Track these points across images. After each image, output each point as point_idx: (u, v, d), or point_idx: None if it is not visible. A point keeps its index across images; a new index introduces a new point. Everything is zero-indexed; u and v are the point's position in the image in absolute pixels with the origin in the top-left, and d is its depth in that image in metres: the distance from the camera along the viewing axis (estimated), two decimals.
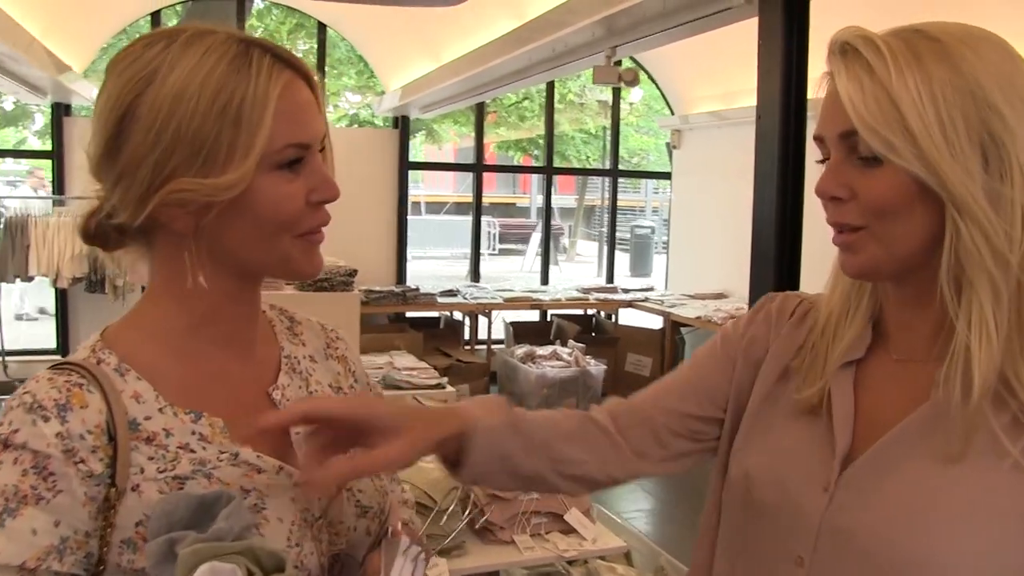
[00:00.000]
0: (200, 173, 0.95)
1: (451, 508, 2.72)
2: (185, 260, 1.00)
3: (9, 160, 22.77)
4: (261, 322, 1.16)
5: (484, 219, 20.14)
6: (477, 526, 2.82)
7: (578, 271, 19.56)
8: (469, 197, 10.59)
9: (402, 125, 9.23)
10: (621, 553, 3.58)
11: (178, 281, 1.02)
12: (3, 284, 7.68)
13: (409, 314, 8.78)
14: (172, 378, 1.02)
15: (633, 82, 4.98)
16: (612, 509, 4.52)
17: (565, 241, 25.30)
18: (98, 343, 1.03)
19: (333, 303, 5.43)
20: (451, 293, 8.73)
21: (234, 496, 0.91)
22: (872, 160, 0.98)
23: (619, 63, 8.85)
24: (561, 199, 25.30)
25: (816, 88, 1.08)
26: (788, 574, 1.08)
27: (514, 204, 28.51)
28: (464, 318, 8.93)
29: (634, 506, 5.96)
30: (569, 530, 2.87)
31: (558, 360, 7.84)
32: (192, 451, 0.99)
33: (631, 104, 17.76)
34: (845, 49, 1.00)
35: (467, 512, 2.80)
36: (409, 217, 9.57)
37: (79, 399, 0.94)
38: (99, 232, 1.05)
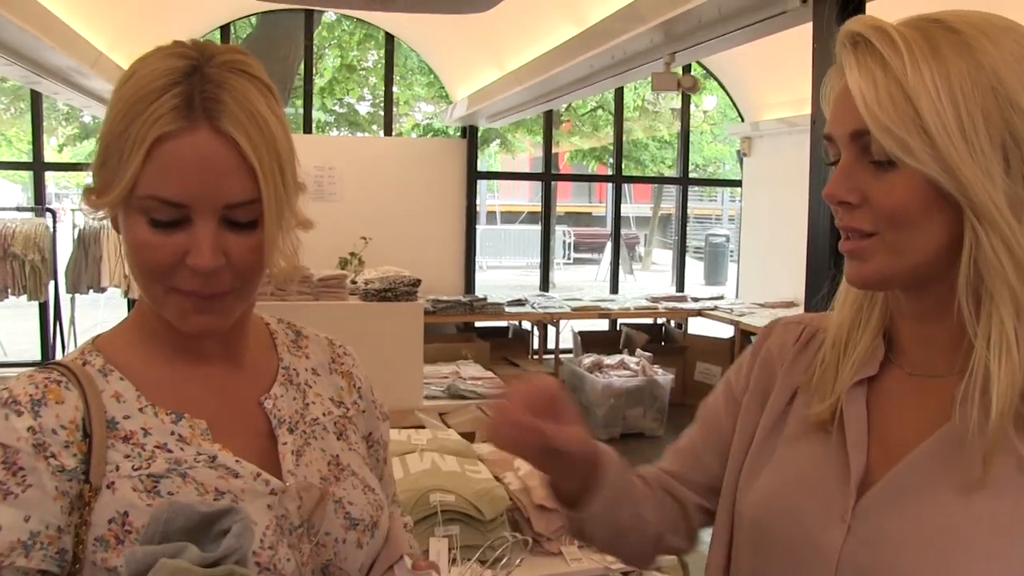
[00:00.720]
0: (96, 187, 0.98)
1: (497, 519, 2.70)
2: None
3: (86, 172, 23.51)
4: (260, 334, 1.17)
5: (559, 228, 20.06)
6: (524, 536, 2.79)
7: (653, 280, 19.43)
8: (540, 207, 10.59)
9: (470, 134, 9.28)
10: (677, 565, 3.53)
11: None
12: (77, 295, 7.87)
13: (478, 324, 8.80)
14: (156, 381, 1.04)
15: (692, 88, 4.93)
16: None
17: (640, 250, 25.18)
18: (88, 347, 1.05)
19: (397, 313, 5.45)
20: (519, 303, 8.72)
21: (242, 512, 0.89)
22: (886, 163, 0.92)
23: (688, 68, 8.77)
24: (636, 208, 25.18)
25: (827, 83, 1.03)
26: None
27: (590, 213, 28.47)
28: (532, 328, 8.92)
29: None
30: None
31: (625, 369, 7.77)
32: (169, 451, 0.99)
33: (705, 112, 17.63)
34: (857, 41, 0.94)
35: (513, 525, 2.78)
36: (484, 227, 9.64)
37: (55, 395, 0.96)
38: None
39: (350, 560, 1.08)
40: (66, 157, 14.44)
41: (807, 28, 3.57)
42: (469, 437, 3.54)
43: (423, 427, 3.57)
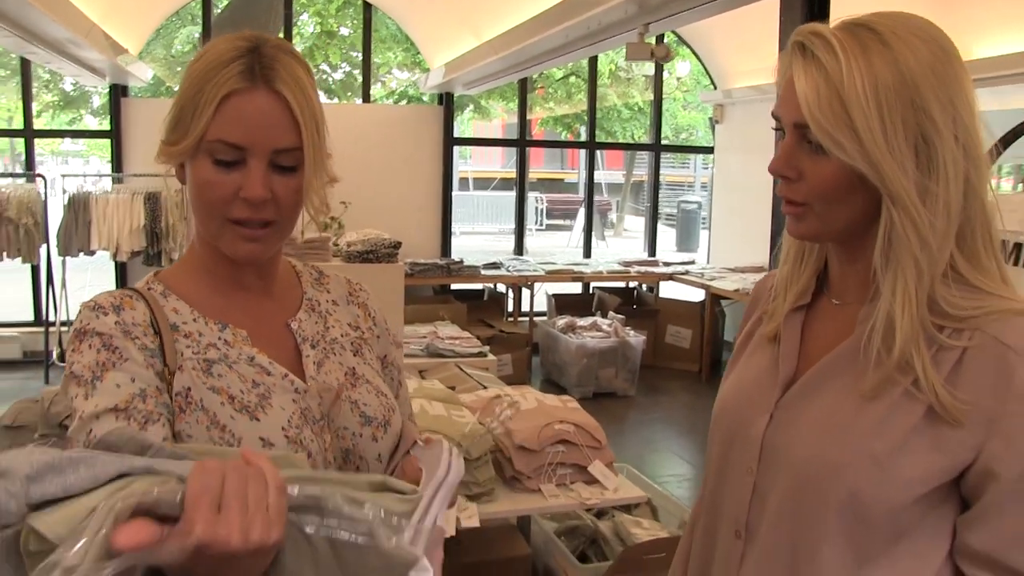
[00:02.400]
0: (171, 140, 1.23)
1: (482, 458, 2.93)
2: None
3: (67, 140, 23.38)
4: (288, 274, 1.43)
5: (531, 195, 20.15)
6: (506, 475, 3.03)
7: (625, 246, 19.63)
8: (515, 173, 10.75)
9: (446, 101, 9.43)
10: (643, 505, 3.79)
11: (198, 227, 1.30)
12: (67, 258, 8.03)
13: (454, 287, 9.01)
14: (205, 302, 1.30)
15: (665, 58, 5.11)
16: (647, 472, 4.72)
17: (613, 216, 25.35)
18: (150, 278, 1.33)
19: (378, 273, 5.64)
20: (494, 266, 8.93)
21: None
22: (821, 148, 1.16)
23: (662, 37, 8.94)
24: (609, 175, 25.34)
25: (774, 73, 1.27)
26: (743, 482, 1.31)
27: (562, 180, 28.56)
28: (507, 291, 9.14)
29: (669, 471, 6.14)
30: (592, 481, 3.07)
31: (598, 331, 8.01)
32: (218, 348, 1.26)
33: (678, 79, 17.76)
34: (804, 48, 1.17)
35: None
36: (456, 193, 9.77)
37: (129, 304, 1.23)
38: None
39: (367, 450, 1.32)
40: (43, 124, 14.46)
41: None
42: None
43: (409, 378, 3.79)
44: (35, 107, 9.04)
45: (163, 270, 1.35)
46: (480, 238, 20.43)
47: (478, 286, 9.20)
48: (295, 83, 1.21)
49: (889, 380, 1.16)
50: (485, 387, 4.01)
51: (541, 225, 24.31)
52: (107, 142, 8.94)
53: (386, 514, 0.94)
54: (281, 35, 9.09)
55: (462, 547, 3.47)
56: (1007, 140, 9.15)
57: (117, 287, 8.61)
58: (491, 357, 6.41)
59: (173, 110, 1.23)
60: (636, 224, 23.02)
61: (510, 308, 9.12)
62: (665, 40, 9.61)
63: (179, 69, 13.55)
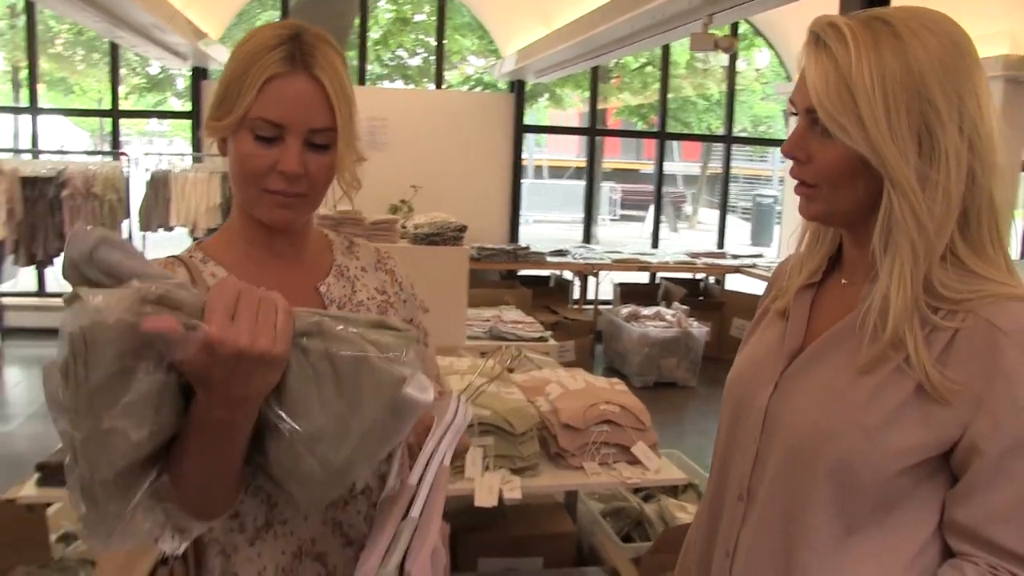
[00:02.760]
0: (213, 115, 1.35)
1: (527, 433, 3.01)
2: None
3: (153, 121, 24.00)
4: (320, 241, 1.55)
5: (605, 184, 20.09)
6: (551, 452, 3.11)
7: (698, 238, 19.53)
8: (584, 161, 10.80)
9: (518, 89, 9.52)
10: (690, 490, 3.84)
11: (236, 198, 1.44)
12: (147, 233, 8.34)
13: (521, 273, 9.12)
14: (240, 268, 1.41)
15: (729, 49, 5.13)
16: (702, 463, 4.74)
17: (688, 208, 25.22)
18: (192, 248, 1.45)
19: (443, 256, 5.74)
20: (560, 253, 9.01)
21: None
22: (828, 132, 1.22)
23: (736, 27, 8.86)
24: (685, 166, 25.20)
25: (796, 62, 1.33)
26: (747, 449, 1.39)
27: (637, 170, 28.46)
28: (573, 278, 9.20)
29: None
30: (635, 461, 3.13)
31: (661, 321, 8.04)
32: None
33: (757, 70, 17.59)
34: (819, 39, 1.23)
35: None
36: (531, 181, 9.86)
37: (171, 269, 1.36)
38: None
39: None
40: (131, 105, 14.95)
41: None
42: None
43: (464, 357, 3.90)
44: (123, 89, 9.38)
45: (204, 240, 1.47)
46: (553, 226, 20.46)
47: (545, 272, 9.28)
48: (332, 69, 1.33)
49: (882, 356, 1.22)
50: (541, 368, 4.10)
51: (615, 215, 24.27)
52: (186, 124, 9.23)
53: (380, 347, 1.05)
54: (357, 21, 9.27)
55: (509, 520, 3.57)
56: None
57: None
58: (552, 342, 6.47)
59: (219, 89, 1.35)
60: (711, 217, 22.84)
61: (575, 295, 9.19)
62: (740, 31, 9.60)
63: None
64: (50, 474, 2.93)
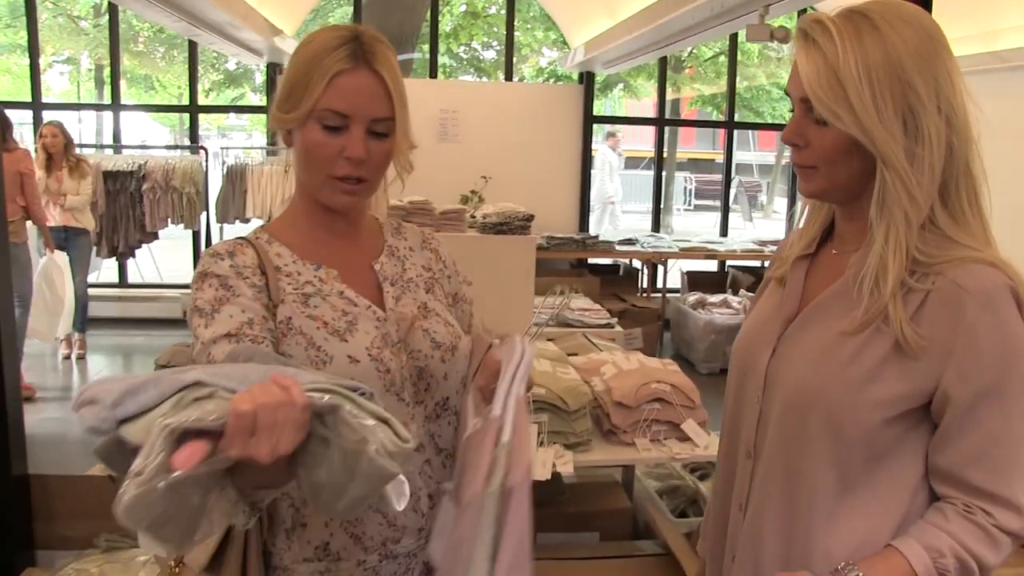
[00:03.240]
0: (281, 108, 1.49)
1: (580, 410, 3.16)
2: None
3: (232, 115, 24.63)
4: (372, 225, 1.70)
5: (679, 175, 19.98)
6: (604, 429, 3.25)
7: (773, 227, 19.40)
8: (654, 151, 10.87)
9: (587, 80, 9.63)
10: None
11: (299, 185, 1.59)
12: (224, 225, 8.69)
13: (591, 261, 9.25)
14: (303, 247, 1.57)
15: (785, 39, 5.19)
16: None
17: (763, 198, 25.01)
18: (257, 230, 1.61)
19: (511, 245, 5.87)
20: (629, 242, 9.11)
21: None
22: (823, 121, 1.36)
23: (802, 13, 8.86)
24: (761, 156, 24.97)
25: (790, 50, 1.46)
26: (752, 408, 1.52)
27: (712, 160, 28.28)
28: (642, 266, 9.31)
29: None
30: (685, 438, 3.25)
31: (728, 308, 8.11)
32: (314, 284, 1.54)
33: None
34: (806, 35, 1.36)
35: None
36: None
37: (240, 251, 1.51)
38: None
39: (437, 369, 1.59)
40: (210, 101, 15.41)
41: None
42: None
43: None
44: (203, 84, 9.75)
45: (268, 224, 1.64)
46: (629, 217, 20.48)
47: (611, 261, 9.41)
48: (389, 66, 1.49)
49: (870, 314, 1.35)
50: (600, 352, 4.23)
51: (689, 205, 24.20)
52: (263, 118, 9.53)
53: (380, 444, 1.18)
54: (428, 15, 9.48)
55: (569, 498, 3.72)
56: None
57: None
58: (618, 329, 6.57)
59: (284, 86, 1.51)
60: (786, 206, 22.63)
61: (644, 284, 9.29)
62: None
63: None
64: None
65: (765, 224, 21.14)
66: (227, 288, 1.45)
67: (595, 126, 9.98)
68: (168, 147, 9.74)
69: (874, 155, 1.32)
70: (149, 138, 19.43)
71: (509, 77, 9.97)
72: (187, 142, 9.88)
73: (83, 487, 3.23)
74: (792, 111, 1.43)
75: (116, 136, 9.59)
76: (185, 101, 10.51)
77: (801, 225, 1.59)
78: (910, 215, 1.32)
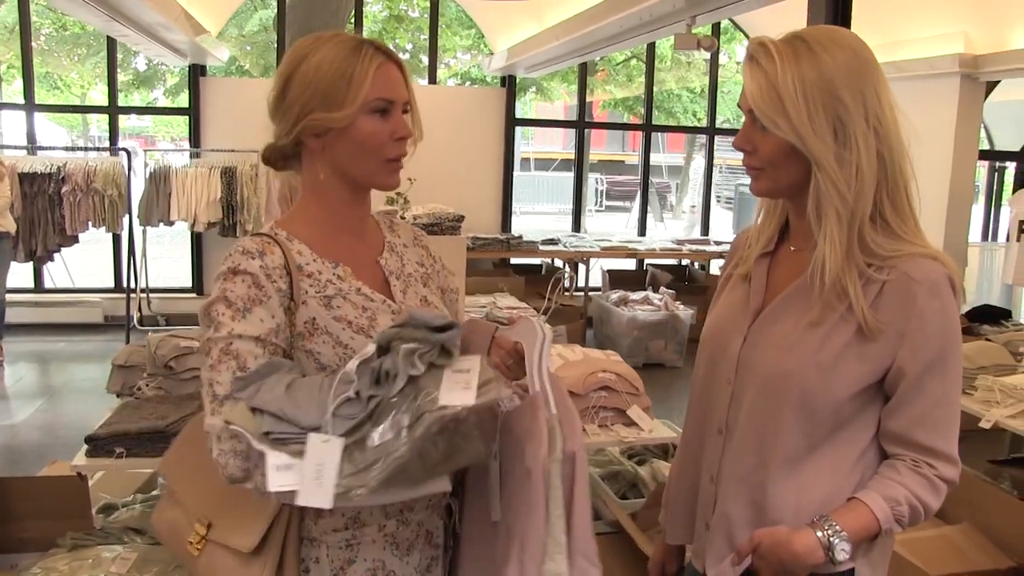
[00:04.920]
0: (325, 110, 1.61)
1: None
2: (316, 170, 1.69)
3: (133, 117, 24.11)
4: (371, 220, 1.83)
5: (591, 176, 20.25)
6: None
7: (683, 227, 19.83)
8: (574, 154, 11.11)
9: (509, 84, 9.84)
10: (676, 446, 4.16)
11: (315, 186, 1.71)
12: (148, 228, 8.62)
13: (513, 261, 9.45)
14: (318, 245, 1.69)
15: (711, 48, 5.44)
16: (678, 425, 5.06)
17: (672, 199, 25.52)
18: (273, 225, 1.71)
19: (442, 244, 5.90)
20: (552, 242, 9.34)
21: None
22: (766, 129, 1.57)
23: (718, 24, 9.11)
24: (670, 157, 25.42)
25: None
26: (723, 390, 1.73)
27: (623, 162, 28.73)
28: (564, 265, 9.52)
29: None
30: (631, 423, 3.45)
31: (649, 305, 8.37)
32: (333, 283, 1.66)
33: (738, 63, 17.85)
34: (752, 57, 1.58)
35: None
36: (518, 173, 10.17)
37: (269, 250, 1.61)
38: (271, 156, 1.73)
39: None
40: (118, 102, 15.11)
41: None
42: None
43: None
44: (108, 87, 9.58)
45: (280, 219, 1.74)
46: (540, 218, 20.74)
47: (536, 261, 9.61)
48: (400, 60, 1.68)
49: (829, 305, 1.56)
50: None
51: (600, 206, 24.56)
52: (176, 120, 9.49)
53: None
54: (352, 19, 9.55)
55: None
56: None
57: (193, 257, 9.32)
58: (547, 326, 6.72)
59: (317, 93, 1.61)
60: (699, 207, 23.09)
61: (566, 283, 9.49)
62: (722, 25, 9.91)
63: (249, 48, 14.10)
64: (98, 446, 3.07)
65: (676, 224, 21.58)
66: (259, 288, 1.56)
67: (517, 128, 10.18)
68: (87, 148, 9.56)
69: (809, 159, 1.53)
70: (45, 140, 18.94)
71: (433, 80, 10.10)
72: (87, 143, 9.67)
73: (41, 488, 3.26)
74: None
75: (31, 137, 9.37)
76: (92, 101, 10.32)
77: (758, 223, 1.79)
78: (841, 212, 1.53)
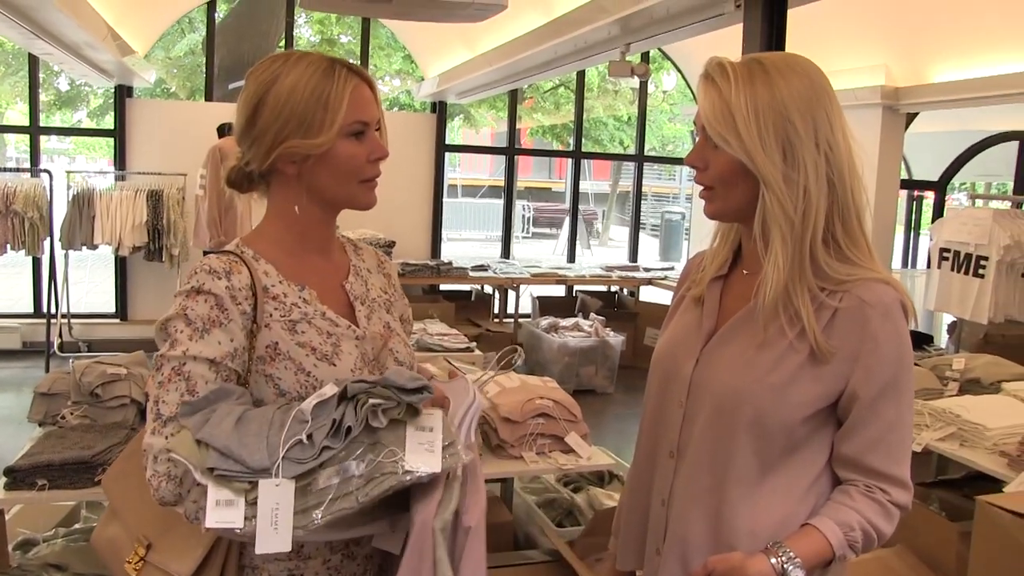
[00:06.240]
0: (302, 137, 1.57)
1: None
2: (291, 194, 1.65)
3: (53, 138, 23.54)
4: (337, 241, 1.79)
5: (519, 203, 20.33)
6: (492, 444, 3.40)
7: (609, 255, 20.00)
8: (503, 180, 11.14)
9: (439, 110, 9.83)
10: (615, 480, 4.17)
11: (286, 208, 1.66)
12: (70, 251, 8.37)
13: (443, 287, 9.40)
14: (285, 266, 1.65)
15: (644, 75, 5.51)
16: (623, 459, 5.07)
17: (599, 225, 25.75)
18: (239, 243, 1.66)
19: None
20: (482, 268, 9.32)
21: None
22: (718, 147, 1.58)
23: (647, 54, 9.27)
24: (595, 184, 25.71)
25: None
26: (675, 413, 1.72)
27: (549, 189, 28.96)
28: (494, 292, 9.53)
29: None
30: (569, 450, 3.44)
31: (579, 331, 8.38)
32: (299, 307, 1.62)
33: (664, 92, 18.16)
34: (708, 75, 1.59)
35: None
36: (445, 200, 10.17)
37: (236, 269, 1.57)
38: (237, 179, 1.68)
39: None
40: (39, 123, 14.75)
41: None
42: None
43: None
44: (29, 107, 9.34)
45: (245, 237, 1.69)
46: (468, 244, 20.77)
47: (466, 287, 9.59)
48: (370, 76, 1.65)
49: (780, 330, 1.57)
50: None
51: (527, 233, 24.69)
52: (98, 141, 9.32)
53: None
54: (282, 43, 9.49)
55: None
56: (963, 159, 9.61)
57: (117, 282, 9.11)
58: (478, 352, 6.72)
59: (292, 119, 1.57)
60: (621, 234, 23.34)
61: (496, 309, 9.51)
62: (650, 54, 10.05)
63: (176, 71, 13.90)
64: (19, 478, 2.95)
65: (603, 251, 21.77)
66: (222, 310, 1.52)
67: (447, 154, 10.18)
68: (10, 169, 9.29)
69: (757, 179, 1.54)
70: None
71: None
72: (15, 164, 9.43)
73: None
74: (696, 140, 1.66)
75: None
76: (10, 121, 10.04)
77: (713, 247, 1.80)
78: (786, 232, 1.54)
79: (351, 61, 1.65)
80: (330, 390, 1.42)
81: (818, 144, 1.54)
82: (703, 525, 1.64)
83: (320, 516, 1.32)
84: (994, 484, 3.32)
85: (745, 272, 1.72)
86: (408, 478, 1.33)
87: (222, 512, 1.33)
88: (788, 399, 1.56)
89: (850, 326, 1.54)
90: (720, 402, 1.62)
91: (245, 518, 1.33)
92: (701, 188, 1.67)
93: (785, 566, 1.49)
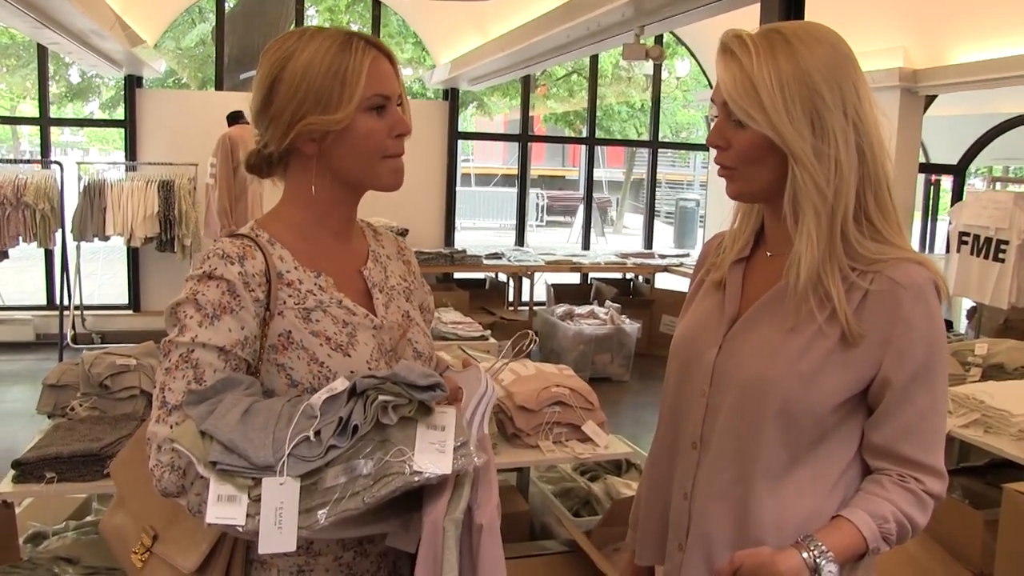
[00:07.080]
0: (320, 113, 1.50)
1: None
2: (310, 175, 1.58)
3: (67, 132, 23.62)
4: (357, 226, 1.71)
5: (532, 191, 20.30)
6: (508, 432, 3.34)
7: (623, 243, 19.93)
8: (517, 169, 11.07)
9: (451, 97, 9.76)
10: (632, 468, 4.11)
11: (304, 190, 1.59)
12: (82, 243, 8.35)
13: (457, 275, 9.35)
14: (301, 251, 1.58)
15: (659, 58, 5.43)
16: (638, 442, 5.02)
17: (613, 213, 25.66)
18: (254, 226, 1.60)
19: None
20: (496, 256, 9.26)
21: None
22: (741, 124, 1.50)
23: (660, 37, 9.17)
24: (610, 172, 25.62)
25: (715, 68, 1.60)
26: (697, 403, 1.63)
27: (563, 177, 28.88)
28: (508, 280, 9.47)
29: None
30: (585, 439, 3.38)
31: (595, 319, 8.32)
32: (314, 294, 1.55)
33: (678, 78, 18.06)
34: (727, 48, 1.51)
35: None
36: (459, 188, 10.12)
37: (250, 254, 1.50)
38: (256, 163, 1.61)
39: None
40: (52, 114, 14.79)
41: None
42: None
43: None
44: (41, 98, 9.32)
45: (261, 219, 1.63)
46: (482, 233, 20.72)
47: (480, 275, 9.53)
48: (390, 49, 1.58)
49: (810, 312, 1.49)
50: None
51: (541, 221, 24.61)
52: (111, 134, 9.27)
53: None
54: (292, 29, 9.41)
55: None
56: (982, 143, 9.48)
57: (130, 273, 9.09)
58: (492, 340, 6.67)
59: (310, 95, 1.51)
60: (635, 221, 23.27)
61: (511, 297, 9.45)
62: (664, 40, 9.96)
63: (186, 62, 13.88)
64: (27, 471, 2.92)
65: (617, 239, 21.69)
66: (234, 296, 1.46)
67: (460, 143, 10.11)
68: (20, 161, 9.26)
69: (786, 154, 1.46)
70: None
71: None
72: (17, 157, 9.38)
73: None
74: (715, 119, 1.57)
75: None
76: (23, 112, 10.01)
77: (733, 228, 1.72)
78: (819, 208, 1.46)
79: (369, 34, 1.58)
80: (341, 384, 1.37)
81: (846, 113, 1.46)
82: (728, 519, 1.57)
83: (325, 517, 1.27)
84: (1019, 471, 3.25)
85: (769, 254, 1.64)
86: (417, 479, 1.27)
87: (224, 508, 1.28)
88: (818, 387, 1.48)
89: (882, 309, 1.46)
90: (745, 391, 1.54)
91: (247, 515, 1.27)
92: (719, 167, 1.58)
93: (817, 560, 1.42)
